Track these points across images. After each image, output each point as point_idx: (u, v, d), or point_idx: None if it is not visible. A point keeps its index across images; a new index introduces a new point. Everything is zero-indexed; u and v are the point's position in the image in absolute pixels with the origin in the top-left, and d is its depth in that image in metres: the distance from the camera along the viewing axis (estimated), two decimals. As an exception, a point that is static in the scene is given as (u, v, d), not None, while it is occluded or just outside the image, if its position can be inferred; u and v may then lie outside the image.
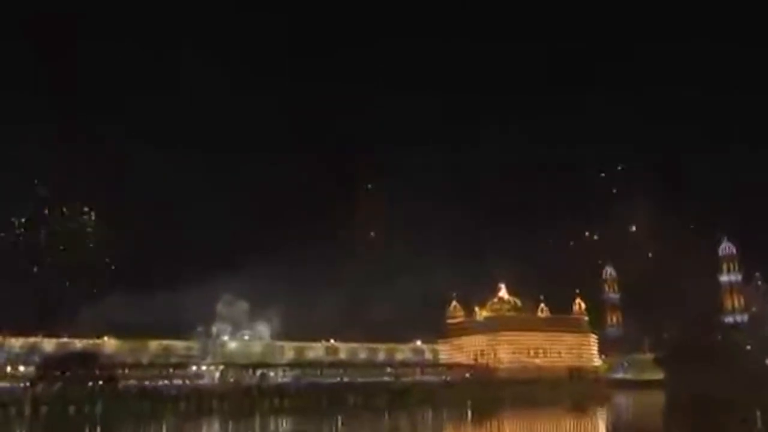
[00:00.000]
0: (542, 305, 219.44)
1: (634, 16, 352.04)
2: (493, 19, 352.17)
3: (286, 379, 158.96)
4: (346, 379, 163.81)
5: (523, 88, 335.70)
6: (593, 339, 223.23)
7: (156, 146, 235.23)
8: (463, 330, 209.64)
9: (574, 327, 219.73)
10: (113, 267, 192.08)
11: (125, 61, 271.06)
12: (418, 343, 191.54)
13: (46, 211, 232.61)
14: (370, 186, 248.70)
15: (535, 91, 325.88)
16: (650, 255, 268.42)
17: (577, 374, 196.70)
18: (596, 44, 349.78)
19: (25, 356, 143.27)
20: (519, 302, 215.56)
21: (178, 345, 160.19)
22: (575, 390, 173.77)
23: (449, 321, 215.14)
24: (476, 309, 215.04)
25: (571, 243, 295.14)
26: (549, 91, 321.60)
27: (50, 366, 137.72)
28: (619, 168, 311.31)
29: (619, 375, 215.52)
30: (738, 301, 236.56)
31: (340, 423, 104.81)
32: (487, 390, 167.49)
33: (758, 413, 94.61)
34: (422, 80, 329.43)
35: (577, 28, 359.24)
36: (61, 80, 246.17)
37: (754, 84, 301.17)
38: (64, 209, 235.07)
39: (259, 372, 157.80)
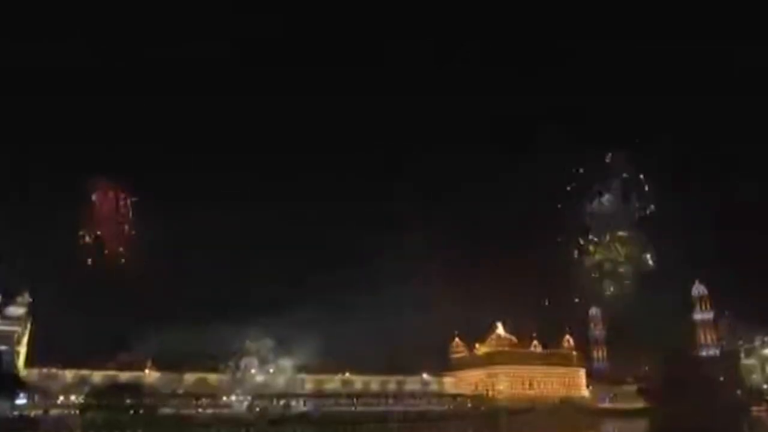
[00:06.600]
0: (535, 342, 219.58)
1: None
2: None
3: (306, 409, 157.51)
4: (360, 408, 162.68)
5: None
6: (581, 372, 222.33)
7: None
8: (464, 364, 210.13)
9: (564, 361, 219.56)
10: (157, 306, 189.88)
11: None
12: (425, 375, 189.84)
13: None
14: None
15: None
16: (631, 296, 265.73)
17: (567, 404, 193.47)
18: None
19: (76, 386, 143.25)
20: (514, 339, 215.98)
21: (211, 377, 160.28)
22: (566, 418, 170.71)
23: (452, 355, 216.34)
24: (476, 345, 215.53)
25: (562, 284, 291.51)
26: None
27: (98, 395, 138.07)
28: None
29: (606, 404, 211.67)
30: (710, 337, 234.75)
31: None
32: (487, 418, 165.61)
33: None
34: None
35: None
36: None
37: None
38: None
39: (282, 402, 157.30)
